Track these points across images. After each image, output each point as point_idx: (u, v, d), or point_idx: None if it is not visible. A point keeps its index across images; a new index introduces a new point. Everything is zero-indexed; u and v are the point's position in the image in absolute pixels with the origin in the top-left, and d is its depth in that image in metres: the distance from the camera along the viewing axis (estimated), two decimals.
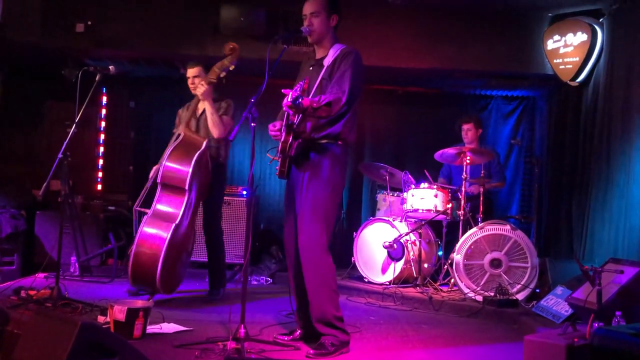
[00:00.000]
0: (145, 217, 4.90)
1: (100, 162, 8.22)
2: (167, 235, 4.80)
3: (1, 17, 6.30)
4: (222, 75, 5.27)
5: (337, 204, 4.06)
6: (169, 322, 4.33)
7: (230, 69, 5.27)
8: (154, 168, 5.40)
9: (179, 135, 5.18)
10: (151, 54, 7.27)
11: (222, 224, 5.72)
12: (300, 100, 3.61)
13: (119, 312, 3.86)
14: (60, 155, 4.78)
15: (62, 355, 2.71)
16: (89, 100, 4.93)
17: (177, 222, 4.87)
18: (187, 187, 4.92)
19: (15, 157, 8.08)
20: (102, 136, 8.25)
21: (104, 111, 8.26)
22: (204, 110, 5.43)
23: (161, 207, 4.97)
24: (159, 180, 4.97)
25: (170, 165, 4.96)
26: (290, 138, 3.84)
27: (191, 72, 5.56)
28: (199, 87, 5.27)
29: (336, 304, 3.91)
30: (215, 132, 5.33)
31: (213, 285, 5.59)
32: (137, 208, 5.23)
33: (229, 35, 6.87)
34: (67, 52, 7.19)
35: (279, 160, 3.92)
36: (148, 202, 5.15)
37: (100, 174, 8.21)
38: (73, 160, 4.99)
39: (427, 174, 6.67)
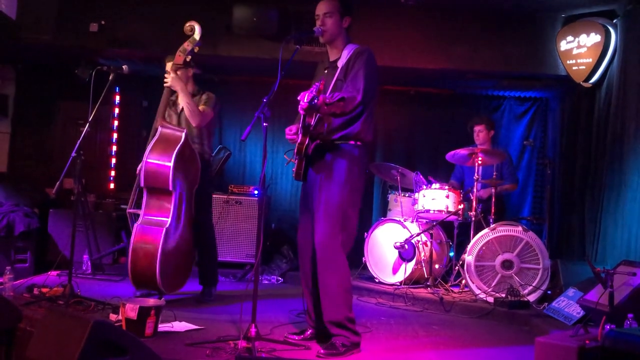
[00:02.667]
0: (136, 224, 4.87)
1: (113, 161, 8.25)
2: (159, 242, 4.77)
3: (16, 16, 6.35)
4: (187, 59, 5.18)
5: (356, 205, 4.03)
6: (180, 321, 4.35)
7: (195, 50, 5.19)
8: (139, 167, 5.27)
9: (157, 130, 5.04)
10: (163, 54, 7.28)
11: (234, 223, 5.64)
12: (315, 100, 3.62)
13: (131, 310, 3.87)
14: (73, 154, 4.79)
15: (74, 353, 2.73)
16: (102, 100, 4.94)
17: (167, 226, 4.83)
18: (171, 188, 4.84)
19: (28, 156, 8.14)
20: (115, 135, 8.28)
21: (117, 110, 8.29)
22: (164, 105, 5.27)
23: (150, 212, 4.91)
24: (142, 184, 4.88)
25: (151, 165, 4.86)
26: (307, 139, 3.84)
27: (167, 66, 5.37)
28: (166, 78, 5.17)
29: (349, 304, 3.91)
30: (193, 121, 5.15)
31: (205, 284, 5.44)
32: (130, 210, 5.16)
33: (242, 35, 6.90)
34: (81, 52, 7.24)
35: (296, 162, 3.92)
36: (140, 203, 5.12)
37: (112, 173, 8.24)
38: (86, 159, 5.01)
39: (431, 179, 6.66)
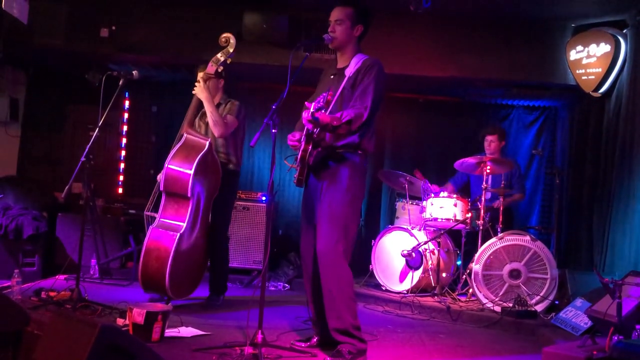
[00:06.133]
0: (150, 227, 4.88)
1: (122, 165, 8.29)
2: (172, 246, 4.77)
3: (27, 21, 6.38)
4: (220, 70, 5.19)
5: (357, 213, 4.05)
6: (187, 326, 4.35)
7: (228, 61, 5.19)
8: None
9: (182, 136, 5.07)
10: (174, 60, 7.32)
11: (242, 229, 5.60)
12: (322, 111, 3.63)
13: (138, 315, 3.88)
14: (82, 159, 4.81)
15: (81, 357, 2.73)
16: (112, 104, 4.97)
17: (181, 231, 4.84)
18: (189, 194, 4.86)
19: (38, 160, 8.17)
20: (124, 140, 8.32)
21: (126, 115, 8.34)
22: (191, 113, 5.24)
23: (166, 216, 4.92)
24: (161, 188, 4.90)
25: (172, 170, 4.89)
26: (310, 147, 3.85)
27: (200, 74, 5.31)
28: (196, 85, 5.17)
29: (354, 312, 3.90)
30: (215, 131, 5.17)
31: (213, 291, 5.46)
32: (147, 213, 5.21)
33: (252, 42, 6.91)
34: (91, 57, 7.27)
35: (298, 168, 3.93)
36: (158, 207, 5.16)
37: (121, 178, 8.27)
38: (95, 164, 5.03)
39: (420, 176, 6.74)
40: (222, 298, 5.49)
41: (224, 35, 5.18)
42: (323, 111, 3.67)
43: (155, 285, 4.86)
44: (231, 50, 5.17)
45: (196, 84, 5.19)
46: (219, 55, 5.18)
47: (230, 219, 5.67)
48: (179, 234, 4.82)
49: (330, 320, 3.87)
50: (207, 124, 5.33)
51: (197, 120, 5.40)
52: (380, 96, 3.93)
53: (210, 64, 5.18)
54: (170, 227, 4.88)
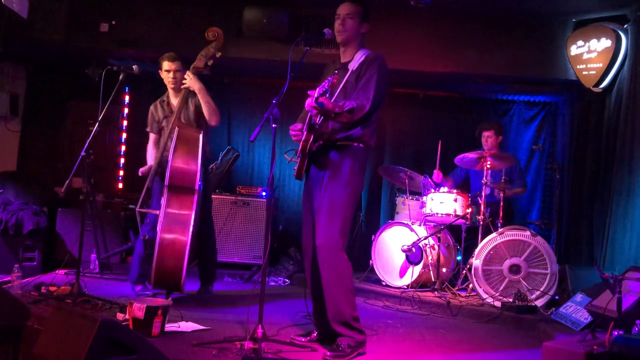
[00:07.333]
0: (159, 223, 4.86)
1: (122, 160, 8.28)
2: (187, 240, 4.79)
3: (27, 16, 6.37)
4: (209, 64, 5.22)
5: (354, 206, 4.06)
6: (187, 321, 4.36)
7: (217, 55, 5.22)
8: (145, 169, 5.40)
9: (173, 130, 5.05)
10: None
11: (242, 224, 5.63)
12: (327, 95, 3.64)
13: (138, 310, 3.88)
14: (82, 153, 4.81)
15: (81, 352, 2.73)
16: (111, 99, 4.97)
17: (191, 224, 4.85)
18: (197, 188, 4.90)
19: (38, 155, 8.17)
20: (124, 135, 8.31)
21: (126, 110, 8.32)
22: (181, 106, 5.29)
23: (173, 211, 4.87)
24: (166, 183, 4.86)
25: (178, 166, 4.89)
26: (312, 137, 3.85)
27: (174, 65, 5.39)
28: (186, 79, 5.19)
29: (353, 303, 3.92)
30: (212, 120, 5.25)
31: (207, 282, 5.49)
32: (139, 209, 5.19)
33: (252, 37, 6.91)
34: (91, 52, 7.26)
35: (297, 161, 3.93)
36: (146, 202, 5.22)
37: (121, 173, 8.26)
38: (95, 159, 5.03)
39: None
40: (212, 287, 5.54)
41: (212, 29, 5.20)
42: (327, 95, 3.68)
43: (171, 282, 4.83)
44: (220, 44, 5.18)
45: (186, 77, 5.21)
46: (209, 49, 5.20)
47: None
48: (191, 228, 4.83)
49: (330, 312, 3.89)
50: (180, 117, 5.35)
51: (161, 116, 5.47)
52: (383, 89, 3.94)
53: (199, 57, 5.22)
54: (180, 222, 4.86)
